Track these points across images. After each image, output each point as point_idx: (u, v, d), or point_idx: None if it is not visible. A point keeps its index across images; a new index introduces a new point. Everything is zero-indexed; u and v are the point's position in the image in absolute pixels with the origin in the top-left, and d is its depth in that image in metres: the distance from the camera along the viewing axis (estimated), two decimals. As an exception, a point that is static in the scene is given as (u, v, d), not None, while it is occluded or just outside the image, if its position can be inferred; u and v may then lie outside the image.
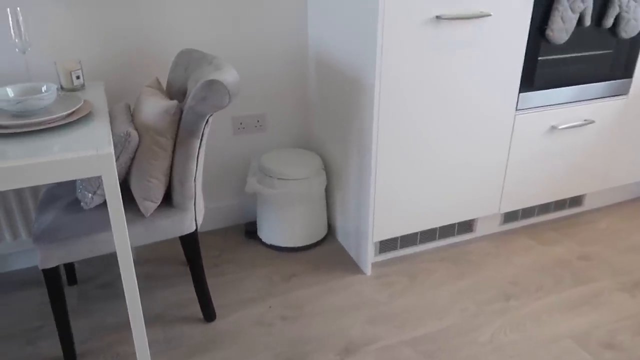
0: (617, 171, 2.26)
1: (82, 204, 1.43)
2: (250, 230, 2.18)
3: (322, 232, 2.12)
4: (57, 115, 1.30)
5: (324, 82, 2.01)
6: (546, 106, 1.96)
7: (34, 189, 1.82)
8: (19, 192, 1.80)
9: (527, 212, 2.23)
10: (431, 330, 1.66)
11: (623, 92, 2.08)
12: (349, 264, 2.00)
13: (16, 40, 1.50)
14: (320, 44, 1.99)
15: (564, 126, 2.00)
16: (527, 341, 1.62)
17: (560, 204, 2.29)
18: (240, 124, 2.12)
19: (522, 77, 1.86)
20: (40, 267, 1.38)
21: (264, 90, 2.10)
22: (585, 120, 2.05)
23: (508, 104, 1.88)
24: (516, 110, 1.91)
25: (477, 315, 1.73)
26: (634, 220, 2.30)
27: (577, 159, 2.13)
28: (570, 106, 2.00)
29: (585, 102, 2.03)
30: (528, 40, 1.81)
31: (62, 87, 1.60)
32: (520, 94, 1.89)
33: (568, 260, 2.03)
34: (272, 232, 2.06)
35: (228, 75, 1.38)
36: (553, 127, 2.00)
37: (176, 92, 1.69)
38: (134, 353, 1.56)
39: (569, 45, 1.89)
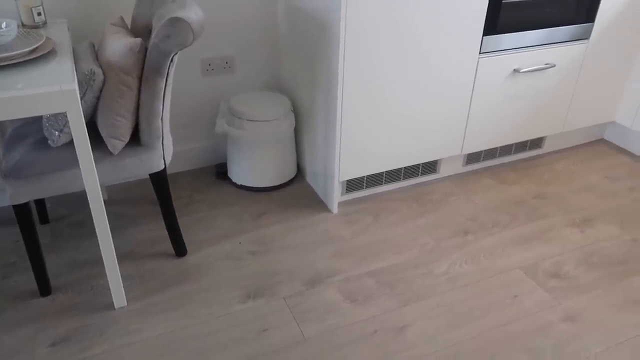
0: (576, 115, 2.34)
1: (49, 141, 1.45)
2: (220, 172, 2.23)
3: (291, 172, 2.18)
4: (19, 52, 1.30)
5: (292, 25, 2.01)
6: (509, 50, 2.01)
7: (0, 128, 1.81)
8: (-15, 132, 1.79)
9: (489, 154, 2.32)
10: (391, 263, 1.77)
11: (584, 36, 2.13)
12: (316, 203, 2.08)
13: (-28, -26, 1.46)
14: (288, -17, 1.97)
15: (526, 69, 2.05)
16: (480, 272, 1.74)
17: (521, 146, 2.39)
18: (209, 65, 2.11)
19: (486, 20, 1.89)
20: (11, 203, 1.41)
21: (233, 31, 2.09)
22: (546, 64, 2.11)
23: (472, 47, 1.92)
24: (480, 53, 1.95)
25: (435, 249, 1.84)
26: (589, 162, 2.42)
27: (538, 103, 2.20)
28: (533, 50, 2.05)
29: (547, 46, 2.08)
30: (493, -17, 1.83)
31: (22, 24, 1.58)
32: (484, 37, 1.93)
33: (525, 199, 2.14)
34: (242, 172, 2.11)
35: (192, 13, 1.38)
36: (515, 71, 2.06)
37: (142, 30, 1.68)
38: (109, 287, 1.63)
39: (533, -11, 1.92)
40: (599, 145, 2.57)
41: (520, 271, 1.75)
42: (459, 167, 2.29)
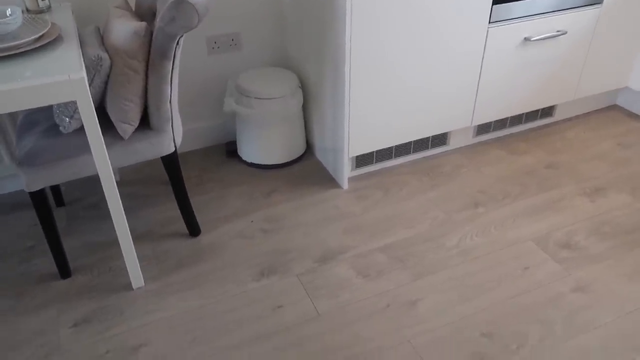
0: (588, 82, 2.30)
1: (60, 128, 1.46)
2: (230, 150, 2.24)
3: (300, 149, 2.18)
4: (25, 40, 1.29)
5: (297, -2, 1.98)
6: (519, 18, 1.96)
7: (12, 115, 1.83)
8: (-4, 119, 1.81)
9: (499, 124, 2.30)
10: (402, 238, 1.78)
11: (598, 1, 2.08)
12: (326, 179, 2.08)
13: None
14: (291, -44, 1.93)
15: (536, 38, 2.01)
16: (490, 244, 1.75)
17: (531, 116, 2.36)
18: (215, 43, 2.10)
19: (495, -12, 1.85)
20: (27, 190, 1.44)
21: (237, 7, 2.06)
22: (558, 31, 2.06)
23: (481, 16, 1.88)
24: (489, 23, 1.91)
25: (446, 222, 1.85)
26: (601, 130, 2.39)
27: (549, 71, 2.16)
28: (544, 17, 2.00)
29: (559, 12, 2.03)
30: (502, -51, 1.78)
31: (27, 10, 1.57)
32: (494, 6, 1.88)
33: (535, 169, 2.13)
34: (251, 150, 2.12)
35: (195, -6, 1.36)
36: (526, 39, 2.01)
37: (146, 11, 1.66)
38: (126, 267, 1.67)
39: (544, -47, 1.87)
40: (612, 111, 2.53)
41: (531, 242, 1.75)
42: (469, 139, 2.28)
